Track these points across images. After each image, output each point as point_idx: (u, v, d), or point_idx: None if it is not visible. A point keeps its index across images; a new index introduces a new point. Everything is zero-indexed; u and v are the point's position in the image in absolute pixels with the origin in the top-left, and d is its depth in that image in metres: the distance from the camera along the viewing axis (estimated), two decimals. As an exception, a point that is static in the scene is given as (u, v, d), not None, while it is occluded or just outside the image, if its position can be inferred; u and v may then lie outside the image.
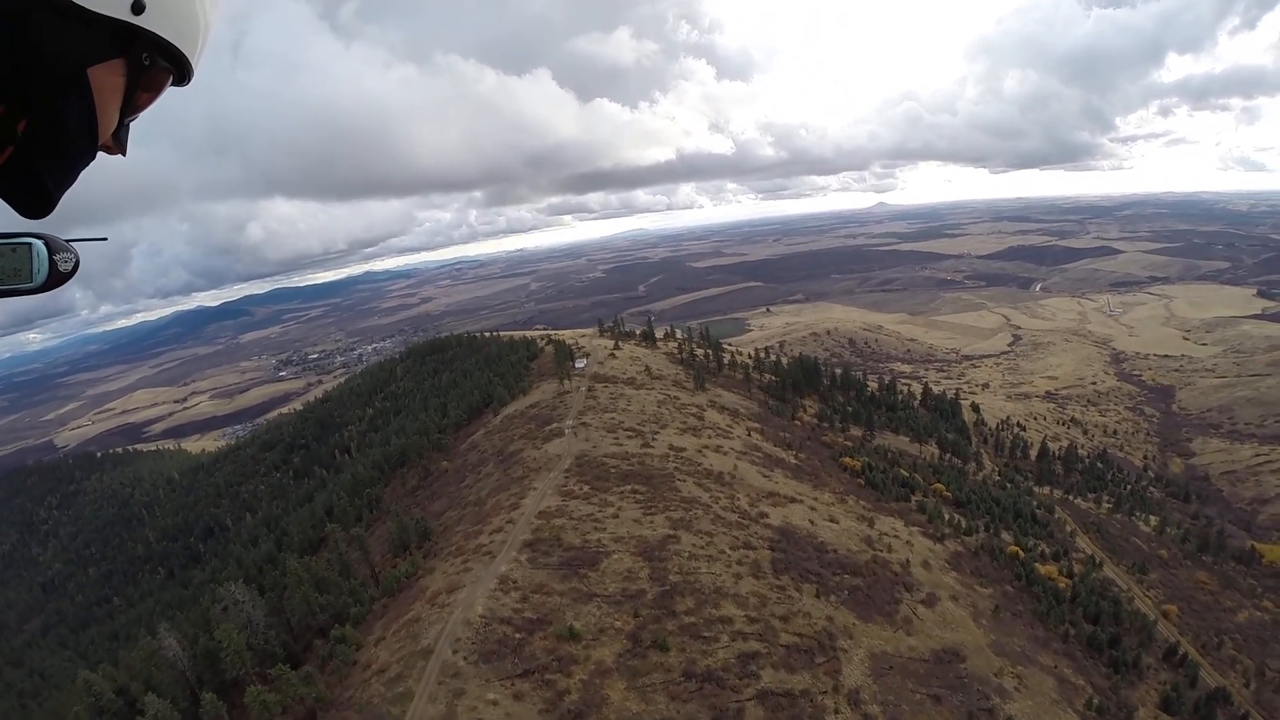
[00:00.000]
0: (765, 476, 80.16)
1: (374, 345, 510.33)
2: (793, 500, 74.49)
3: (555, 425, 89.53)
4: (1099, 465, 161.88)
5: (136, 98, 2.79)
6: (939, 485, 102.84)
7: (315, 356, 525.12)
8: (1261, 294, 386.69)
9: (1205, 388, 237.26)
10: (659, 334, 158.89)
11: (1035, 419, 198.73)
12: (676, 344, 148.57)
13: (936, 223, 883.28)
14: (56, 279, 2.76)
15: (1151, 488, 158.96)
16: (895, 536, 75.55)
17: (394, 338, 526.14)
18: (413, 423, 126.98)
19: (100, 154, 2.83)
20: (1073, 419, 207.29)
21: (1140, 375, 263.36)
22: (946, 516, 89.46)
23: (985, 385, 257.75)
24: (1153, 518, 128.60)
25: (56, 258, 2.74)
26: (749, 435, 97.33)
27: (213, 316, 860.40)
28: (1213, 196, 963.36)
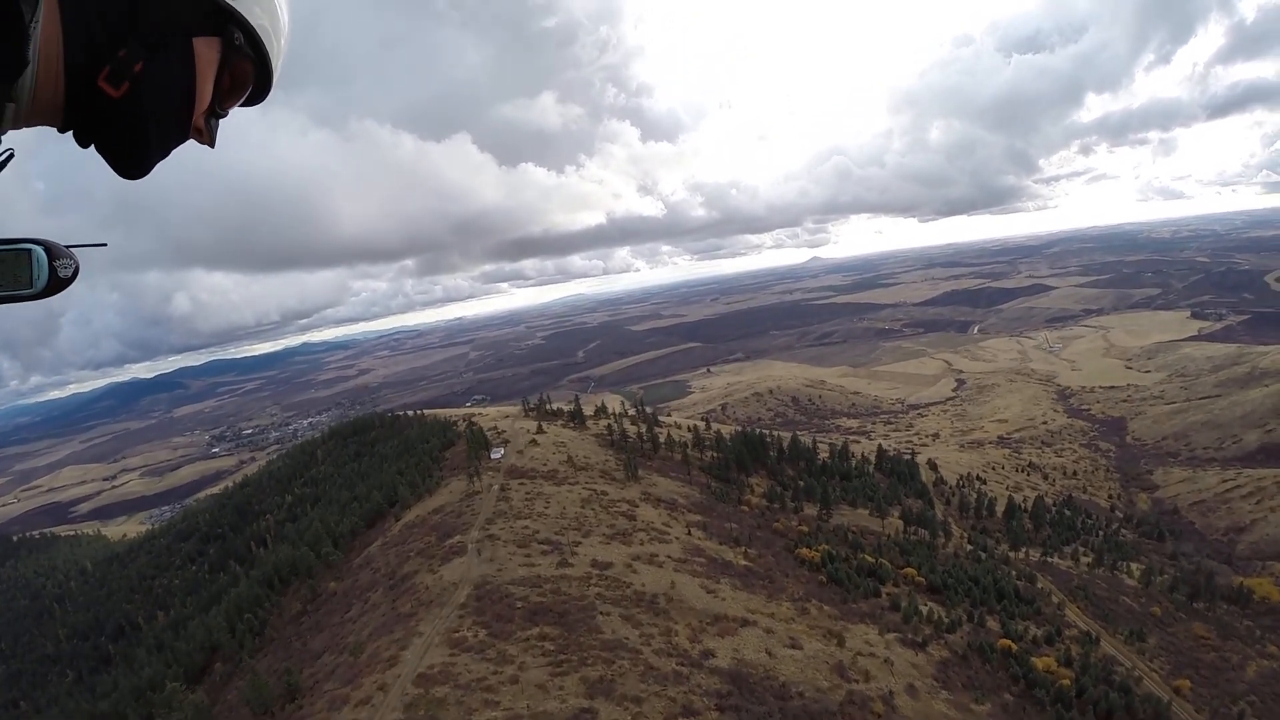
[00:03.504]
0: (710, 592, 66.24)
1: (310, 419, 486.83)
2: (745, 623, 60.71)
3: (458, 539, 74.27)
4: (1067, 513, 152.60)
5: (225, 86, 3.00)
6: (910, 570, 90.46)
7: (250, 431, 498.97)
8: (1195, 315, 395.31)
9: (1157, 415, 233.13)
10: (589, 411, 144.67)
11: (994, 469, 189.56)
12: (607, 423, 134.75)
13: (871, 273, 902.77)
14: (56, 285, 2.77)
15: (1123, 530, 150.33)
16: (871, 655, 62.35)
17: (330, 411, 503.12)
18: (325, 517, 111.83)
19: (191, 143, 3.03)
20: (1030, 464, 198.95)
21: (1089, 409, 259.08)
22: (924, 611, 77.16)
23: (936, 435, 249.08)
24: (1134, 565, 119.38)
25: (56, 264, 2.74)
26: (689, 534, 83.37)
27: (146, 389, 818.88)
28: (1136, 227, 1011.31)
